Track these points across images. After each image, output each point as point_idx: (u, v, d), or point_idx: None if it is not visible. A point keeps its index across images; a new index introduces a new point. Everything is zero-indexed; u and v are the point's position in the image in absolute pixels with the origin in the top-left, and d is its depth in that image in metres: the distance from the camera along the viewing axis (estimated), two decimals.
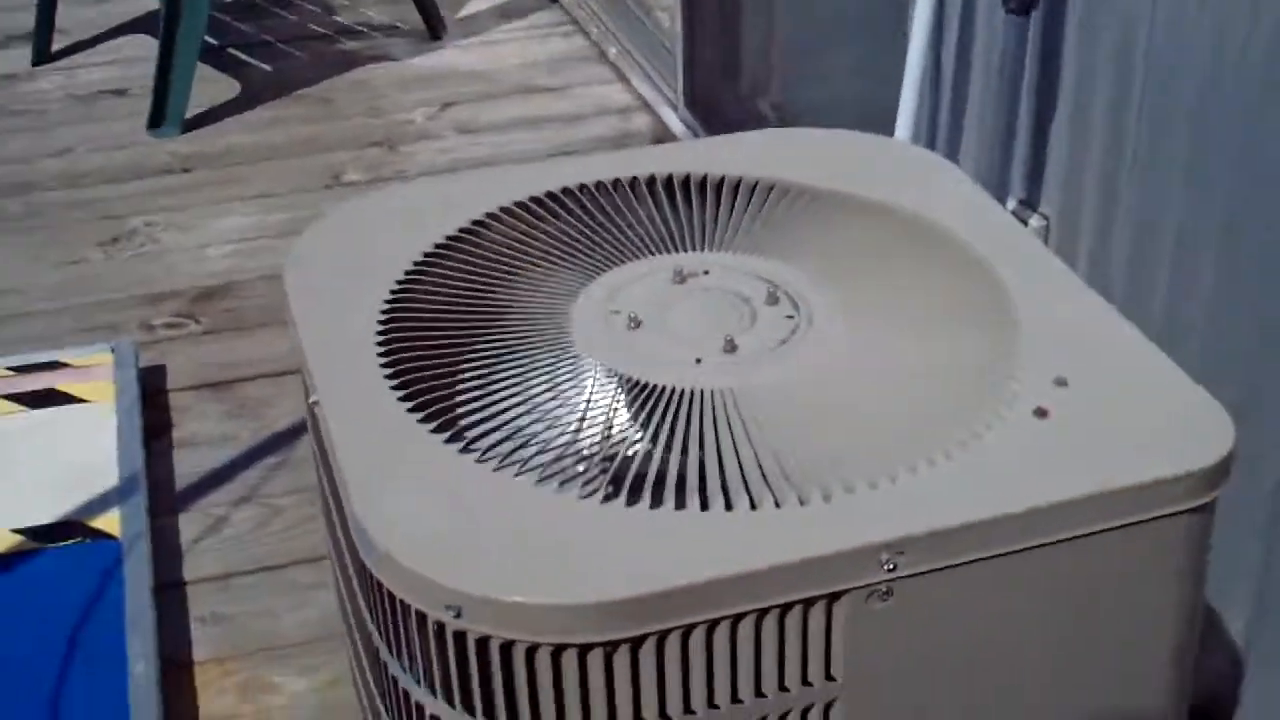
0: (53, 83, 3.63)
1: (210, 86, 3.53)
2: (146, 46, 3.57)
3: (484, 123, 3.37)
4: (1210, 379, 1.64)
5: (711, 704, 1.18)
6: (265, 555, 2.15)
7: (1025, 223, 1.96)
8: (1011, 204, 1.99)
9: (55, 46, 3.73)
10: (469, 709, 1.19)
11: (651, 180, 1.66)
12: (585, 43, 3.73)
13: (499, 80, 3.56)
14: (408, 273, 1.53)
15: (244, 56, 3.71)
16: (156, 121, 3.36)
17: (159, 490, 2.26)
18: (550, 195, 1.64)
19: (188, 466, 2.33)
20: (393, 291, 1.50)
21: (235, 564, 2.13)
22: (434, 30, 3.75)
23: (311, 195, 3.09)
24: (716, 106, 3.16)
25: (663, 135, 3.24)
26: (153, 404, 2.47)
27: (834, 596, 1.16)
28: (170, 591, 2.07)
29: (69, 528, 2.11)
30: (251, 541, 2.18)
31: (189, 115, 3.38)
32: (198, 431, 2.42)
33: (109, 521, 2.12)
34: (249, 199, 3.10)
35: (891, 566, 1.16)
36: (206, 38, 3.61)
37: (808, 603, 1.16)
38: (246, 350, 2.61)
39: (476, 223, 1.60)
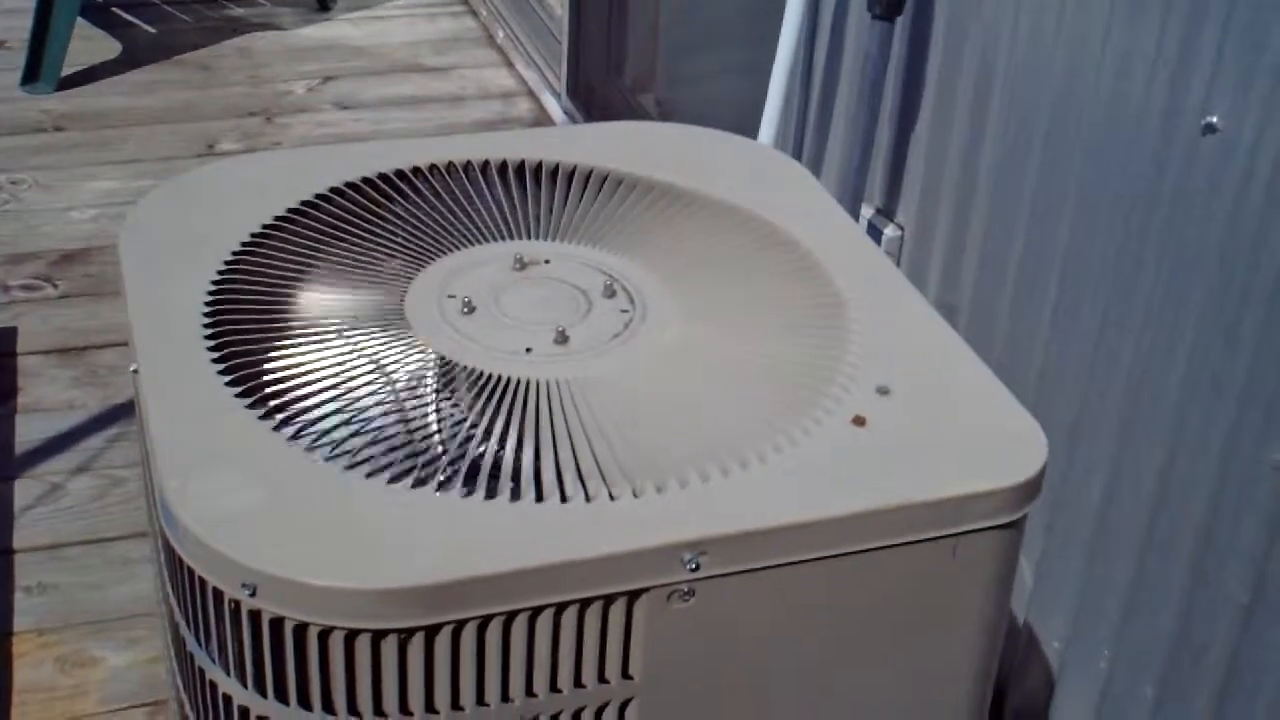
0: None
1: (90, 45, 3.47)
2: None
3: (365, 99, 3.33)
4: (1047, 395, 1.66)
5: (506, 697, 1.17)
6: (99, 526, 2.11)
7: (881, 232, 1.96)
8: (869, 212, 2.00)
9: None
10: (260, 690, 1.16)
11: (503, 165, 1.65)
12: (474, 24, 3.71)
13: (384, 56, 3.53)
14: (244, 244, 1.50)
15: (127, 16, 3.65)
16: (31, 77, 3.29)
17: None
18: (399, 173, 1.62)
19: (29, 432, 2.28)
20: (226, 262, 1.47)
21: (67, 534, 2.09)
22: (323, 1, 3.71)
23: (184, 163, 3.03)
24: (599, 97, 3.15)
25: (543, 122, 3.23)
26: (1, 366, 2.41)
27: (635, 594, 1.15)
28: None
29: None
30: (87, 512, 2.13)
31: (66, 73, 3.32)
32: (43, 397, 2.37)
33: None
34: (120, 163, 3.05)
35: (694, 566, 1.15)
36: None
37: (608, 599, 1.15)
38: (102, 317, 2.56)
39: (320, 197, 1.58)
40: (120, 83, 3.36)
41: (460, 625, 1.13)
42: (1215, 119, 1.40)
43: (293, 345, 1.36)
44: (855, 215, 1.98)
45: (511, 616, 1.14)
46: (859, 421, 1.27)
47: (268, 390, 1.30)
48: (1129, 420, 1.57)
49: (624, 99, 3.08)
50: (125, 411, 2.32)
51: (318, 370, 1.33)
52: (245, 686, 1.18)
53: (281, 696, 1.16)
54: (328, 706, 1.16)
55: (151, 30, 3.60)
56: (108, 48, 3.49)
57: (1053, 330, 1.68)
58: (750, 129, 2.06)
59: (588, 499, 1.19)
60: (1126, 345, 1.56)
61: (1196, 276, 1.45)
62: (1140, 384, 1.54)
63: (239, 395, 1.29)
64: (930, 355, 1.37)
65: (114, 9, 3.67)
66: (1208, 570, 1.49)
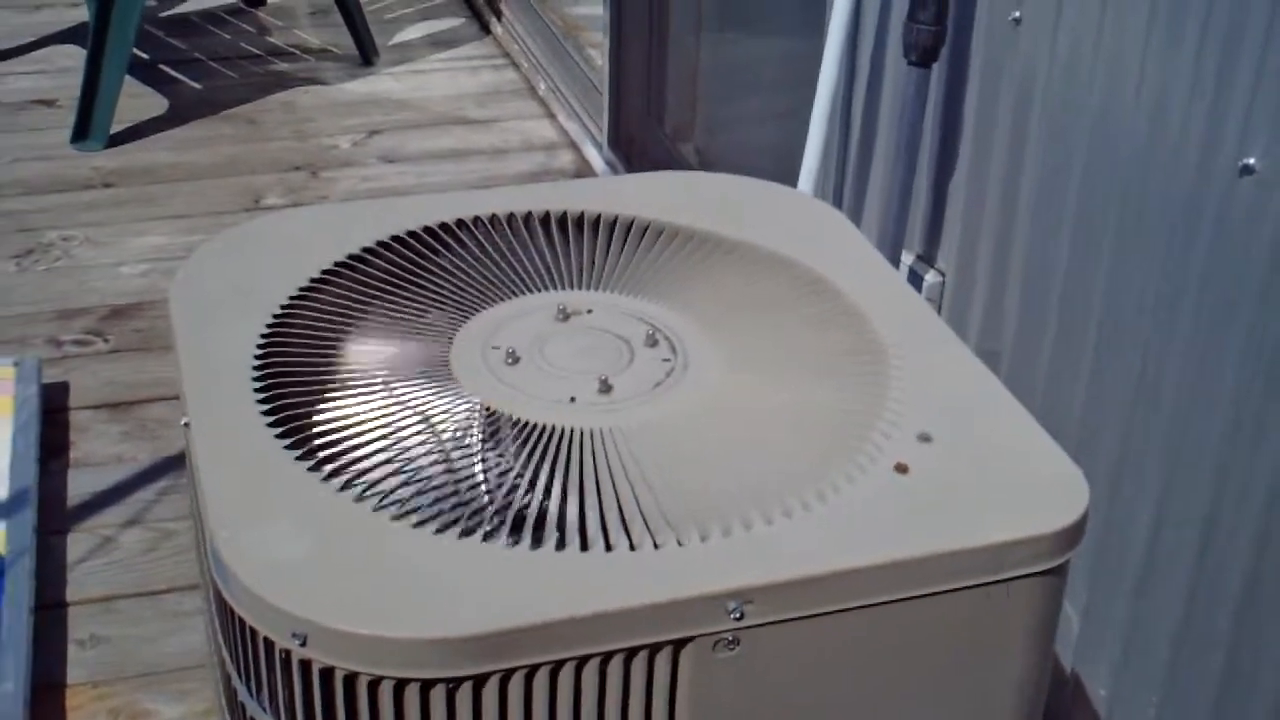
0: None
1: (138, 102, 3.51)
2: (78, 57, 3.55)
3: (409, 152, 3.36)
4: (1089, 438, 1.67)
5: None
6: (151, 579, 2.12)
7: (922, 278, 1.97)
8: (910, 258, 2.01)
9: None
10: None
11: (546, 216, 1.67)
12: (516, 76, 3.74)
13: (427, 110, 3.56)
14: (292, 297, 1.52)
15: (174, 73, 3.70)
16: (81, 134, 3.34)
17: (50, 508, 2.24)
18: (444, 226, 1.64)
19: (81, 486, 2.31)
20: (275, 316, 1.49)
21: (119, 586, 2.11)
22: (366, 56, 3.76)
23: (231, 217, 3.07)
24: (640, 147, 3.17)
25: (585, 172, 3.25)
26: (53, 421, 2.44)
27: (680, 643, 1.16)
28: (51, 611, 2.05)
29: None
30: (138, 564, 2.15)
31: (115, 130, 3.36)
32: (95, 451, 2.40)
33: None
34: (168, 218, 3.09)
35: (739, 615, 1.16)
36: (138, 52, 3.60)
37: (654, 648, 1.16)
38: (152, 371, 2.59)
39: (367, 250, 1.60)
40: (168, 139, 3.41)
41: (508, 674, 1.14)
42: (1252, 160, 1.41)
43: (341, 397, 1.38)
44: (895, 262, 1.99)
45: (558, 666, 1.15)
46: (901, 469, 1.28)
47: (317, 442, 1.32)
48: (1172, 463, 1.57)
49: (664, 148, 3.11)
50: (175, 465, 2.35)
51: (365, 421, 1.35)
52: None
53: None
54: None
55: (198, 86, 3.65)
56: (155, 104, 3.54)
57: (1094, 373, 1.68)
58: (790, 176, 2.08)
59: (632, 548, 1.20)
60: (1168, 387, 1.56)
61: (1236, 318, 1.45)
62: (1183, 426, 1.54)
63: (289, 447, 1.31)
64: (972, 401, 1.38)
65: (161, 66, 3.73)
66: (1256, 616, 1.49)
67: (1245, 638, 1.50)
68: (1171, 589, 1.59)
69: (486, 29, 4.00)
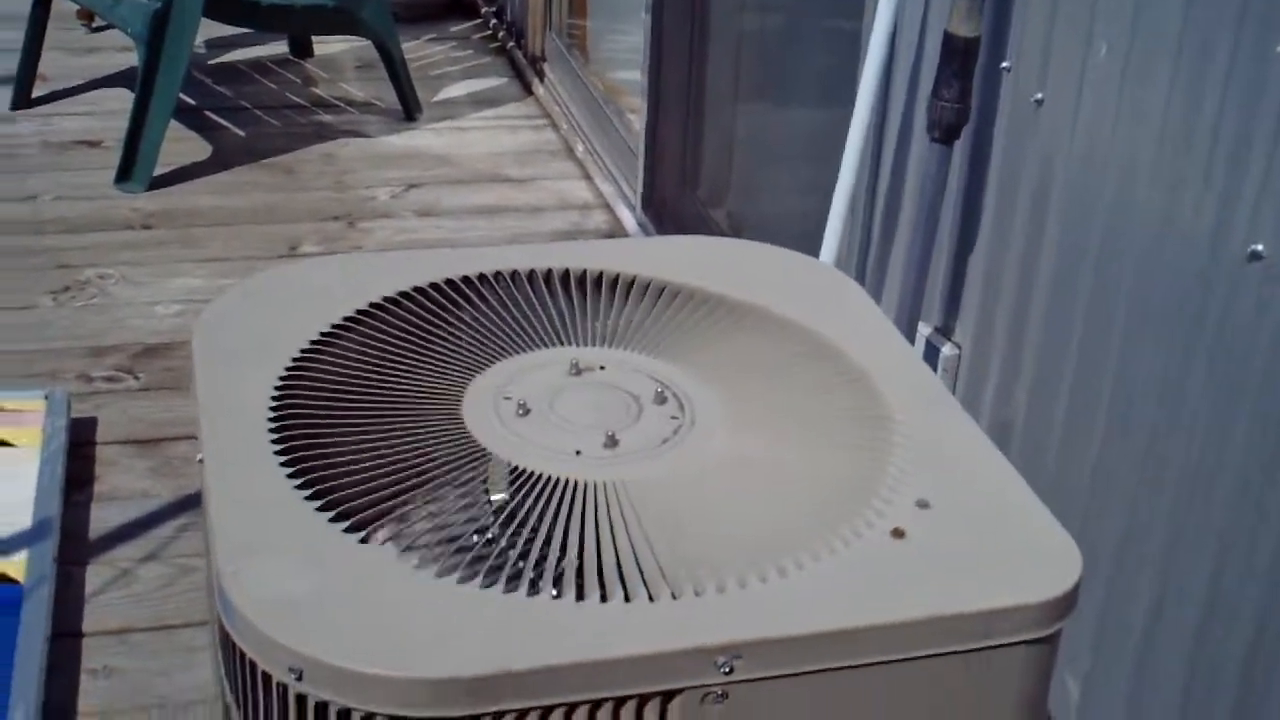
0: (29, 128, 3.68)
1: (182, 146, 3.58)
2: (126, 100, 3.62)
3: (445, 207, 3.41)
4: (1096, 510, 1.68)
5: None
6: (166, 614, 2.15)
7: (939, 350, 1.99)
8: (928, 330, 2.03)
9: (36, 93, 3.79)
10: None
11: (565, 274, 1.69)
12: (555, 137, 3.79)
13: (466, 166, 3.61)
14: (312, 342, 1.55)
15: (219, 119, 3.77)
16: (124, 176, 3.40)
17: (72, 540, 2.27)
18: (465, 280, 1.67)
19: (104, 519, 2.34)
20: (294, 359, 1.52)
21: (135, 620, 2.14)
22: (409, 111, 3.81)
23: (266, 263, 3.11)
24: (673, 210, 3.21)
25: (618, 232, 3.29)
26: (80, 454, 2.48)
27: (669, 695, 1.18)
28: (67, 641, 2.08)
29: None
30: (155, 599, 2.18)
31: (157, 173, 3.42)
32: (119, 485, 2.43)
33: (14, 566, 2.13)
34: (204, 261, 3.14)
35: (728, 670, 1.18)
36: (185, 98, 3.67)
37: (643, 699, 1.18)
38: (180, 410, 2.63)
39: (388, 300, 1.63)
40: (209, 183, 3.46)
41: (498, 718, 1.16)
42: (1260, 247, 1.43)
43: (353, 440, 1.41)
44: (912, 333, 2.01)
45: (548, 712, 1.17)
46: (898, 534, 1.29)
47: (326, 483, 1.34)
48: (1175, 540, 1.58)
49: (697, 212, 3.14)
50: (196, 502, 2.38)
51: (375, 465, 1.37)
52: None
53: None
54: None
55: (241, 134, 3.72)
56: (198, 149, 3.60)
57: (1103, 447, 1.69)
58: (819, 243, 2.11)
59: (627, 599, 1.22)
60: (1173, 466, 1.57)
61: (1243, 400, 1.47)
62: (1188, 503, 1.56)
63: (299, 487, 1.33)
64: (971, 471, 1.40)
65: (206, 112, 3.79)
66: (1255, 692, 1.49)
67: (1246, 713, 1.51)
68: (1173, 661, 1.60)
69: (529, 89, 4.06)
